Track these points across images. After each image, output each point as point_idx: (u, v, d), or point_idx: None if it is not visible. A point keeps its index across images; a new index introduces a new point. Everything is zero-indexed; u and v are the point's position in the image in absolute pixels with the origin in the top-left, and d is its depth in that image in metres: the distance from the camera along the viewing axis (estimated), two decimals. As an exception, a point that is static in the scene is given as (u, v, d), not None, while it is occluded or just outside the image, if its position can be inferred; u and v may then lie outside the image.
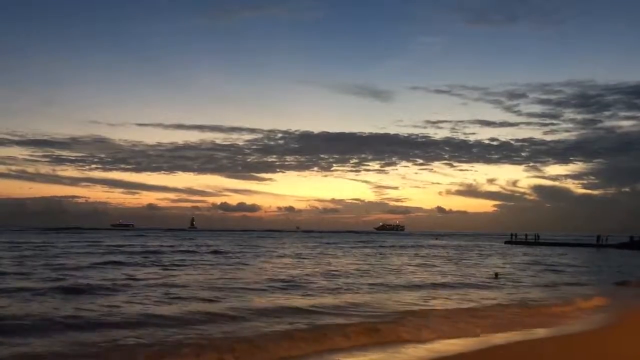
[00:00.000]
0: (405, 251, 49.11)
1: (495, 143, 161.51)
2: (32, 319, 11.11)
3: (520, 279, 23.19)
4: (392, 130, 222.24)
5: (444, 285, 19.84)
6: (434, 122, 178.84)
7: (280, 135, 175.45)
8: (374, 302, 14.81)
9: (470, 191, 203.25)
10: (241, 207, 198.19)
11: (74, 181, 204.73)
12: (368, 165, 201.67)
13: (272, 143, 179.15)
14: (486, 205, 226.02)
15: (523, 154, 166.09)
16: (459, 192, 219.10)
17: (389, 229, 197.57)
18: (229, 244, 55.43)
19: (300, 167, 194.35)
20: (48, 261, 26.58)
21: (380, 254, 42.51)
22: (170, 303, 13.72)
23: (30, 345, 8.97)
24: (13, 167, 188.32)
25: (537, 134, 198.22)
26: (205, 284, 17.90)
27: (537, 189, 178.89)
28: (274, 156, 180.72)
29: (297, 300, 14.64)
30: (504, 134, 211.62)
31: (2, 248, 37.74)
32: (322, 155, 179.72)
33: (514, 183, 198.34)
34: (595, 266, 34.48)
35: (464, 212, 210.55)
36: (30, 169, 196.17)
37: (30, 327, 10.41)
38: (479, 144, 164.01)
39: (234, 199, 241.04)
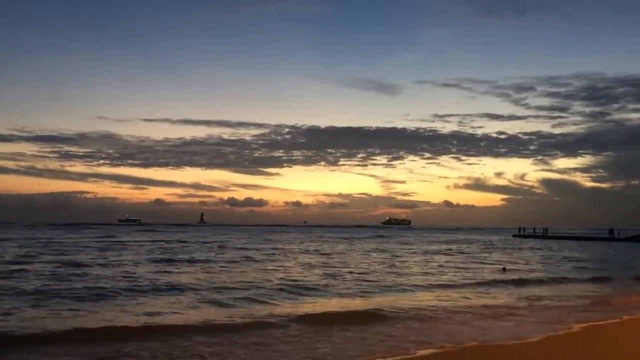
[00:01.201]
0: (420, 247, 48.99)
1: (503, 136, 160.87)
2: (49, 327, 10.38)
3: (533, 273, 23.11)
4: (399, 124, 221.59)
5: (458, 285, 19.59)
6: (441, 116, 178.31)
7: (287, 130, 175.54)
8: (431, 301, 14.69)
9: (478, 185, 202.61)
10: (248, 202, 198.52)
11: (82, 177, 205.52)
12: (375, 159, 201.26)
13: (279, 138, 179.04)
14: (494, 199, 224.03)
15: (531, 147, 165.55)
16: (466, 186, 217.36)
17: (395, 224, 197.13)
18: (245, 240, 55.35)
19: (307, 161, 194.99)
20: (66, 259, 26.46)
21: (399, 250, 42.37)
22: (208, 307, 13.29)
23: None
24: (22, 163, 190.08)
25: (545, 127, 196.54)
26: (242, 285, 17.29)
27: (546, 182, 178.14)
28: (281, 151, 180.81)
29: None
30: (512, 128, 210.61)
31: (18, 244, 37.75)
32: (329, 150, 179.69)
33: (522, 177, 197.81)
34: (610, 260, 34.24)
35: (472, 206, 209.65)
36: (39, 165, 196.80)
37: (47, 336, 9.70)
38: (486, 137, 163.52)
39: (241, 194, 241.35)
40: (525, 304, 14.56)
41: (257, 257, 30.52)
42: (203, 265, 24.65)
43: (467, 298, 15.63)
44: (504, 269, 25.17)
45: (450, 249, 44.43)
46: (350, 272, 22.38)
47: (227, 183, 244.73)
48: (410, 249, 43.21)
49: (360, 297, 15.51)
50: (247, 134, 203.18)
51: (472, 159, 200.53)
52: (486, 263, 29.59)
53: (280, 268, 24.13)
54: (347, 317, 11.96)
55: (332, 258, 31.39)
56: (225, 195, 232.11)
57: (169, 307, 13.09)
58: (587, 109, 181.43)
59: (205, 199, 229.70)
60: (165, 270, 22.12)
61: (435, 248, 46.28)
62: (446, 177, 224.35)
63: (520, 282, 20.12)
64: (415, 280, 20.00)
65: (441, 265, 26.99)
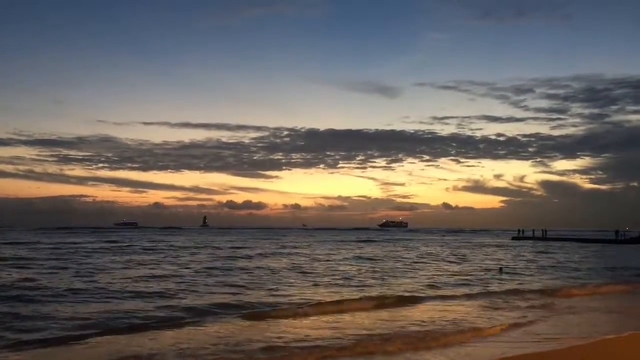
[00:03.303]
0: (427, 249, 48.10)
1: (502, 139, 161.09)
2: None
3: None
4: (398, 126, 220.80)
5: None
6: (440, 118, 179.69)
7: (286, 132, 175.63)
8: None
9: (477, 187, 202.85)
10: (247, 205, 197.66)
11: (81, 180, 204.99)
12: (374, 161, 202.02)
13: (278, 141, 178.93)
14: (493, 201, 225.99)
15: (530, 149, 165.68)
16: (465, 188, 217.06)
17: (392, 226, 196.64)
18: (276, 244, 53.77)
19: (306, 164, 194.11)
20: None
21: (418, 255, 41.42)
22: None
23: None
24: (21, 167, 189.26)
25: (544, 129, 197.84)
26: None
27: (545, 184, 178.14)
28: (280, 154, 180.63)
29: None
30: (511, 130, 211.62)
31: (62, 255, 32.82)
32: (328, 153, 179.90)
33: (521, 179, 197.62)
34: (612, 262, 33.31)
35: (471, 208, 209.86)
36: (38, 169, 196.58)
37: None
38: (485, 139, 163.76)
39: (240, 197, 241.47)
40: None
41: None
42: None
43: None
44: (500, 270, 25.05)
45: (448, 252, 43.41)
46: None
47: (226, 186, 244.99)
48: (425, 252, 42.22)
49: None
50: (246, 136, 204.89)
51: (471, 161, 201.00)
52: (484, 264, 29.04)
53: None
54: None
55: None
56: (224, 199, 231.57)
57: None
58: (586, 111, 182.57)
59: (204, 202, 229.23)
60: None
61: (432, 250, 45.43)
62: (445, 179, 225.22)
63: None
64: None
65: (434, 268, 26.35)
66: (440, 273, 23.85)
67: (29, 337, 9.81)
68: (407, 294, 16.37)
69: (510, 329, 11.17)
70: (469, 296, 16.52)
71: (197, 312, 12.60)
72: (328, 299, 14.87)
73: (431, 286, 18.53)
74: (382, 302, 14.59)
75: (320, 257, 34.45)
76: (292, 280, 19.85)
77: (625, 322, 12.42)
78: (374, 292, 16.59)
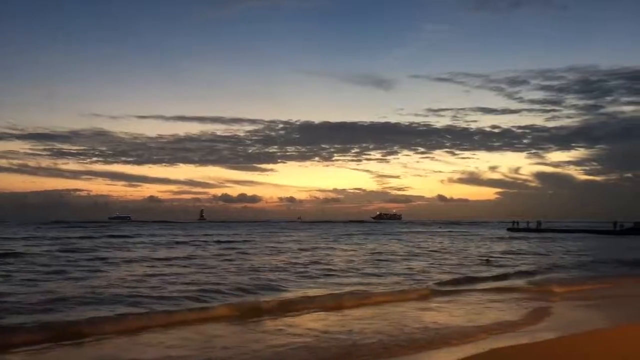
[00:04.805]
0: (428, 241, 48.61)
1: (496, 130, 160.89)
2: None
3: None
4: (393, 119, 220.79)
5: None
6: (435, 111, 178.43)
7: (281, 125, 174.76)
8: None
9: (472, 179, 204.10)
10: (242, 198, 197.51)
11: (75, 174, 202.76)
12: (369, 154, 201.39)
13: (272, 134, 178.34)
14: (488, 193, 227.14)
15: (525, 141, 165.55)
16: (460, 180, 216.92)
17: (386, 218, 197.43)
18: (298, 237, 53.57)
19: (301, 157, 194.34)
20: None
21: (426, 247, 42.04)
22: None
23: None
24: (14, 161, 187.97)
25: (538, 120, 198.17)
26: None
27: (539, 175, 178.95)
28: (275, 147, 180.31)
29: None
30: (506, 121, 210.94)
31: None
32: (323, 145, 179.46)
33: (516, 170, 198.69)
34: (610, 254, 33.34)
35: (466, 200, 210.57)
36: (32, 163, 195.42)
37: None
38: (480, 131, 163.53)
39: (235, 190, 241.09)
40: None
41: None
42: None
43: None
44: (487, 261, 25.41)
45: (444, 244, 43.78)
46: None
47: (221, 179, 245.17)
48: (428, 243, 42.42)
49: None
50: (241, 130, 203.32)
51: (466, 153, 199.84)
52: (480, 257, 29.29)
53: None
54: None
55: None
56: (219, 192, 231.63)
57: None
58: (581, 102, 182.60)
59: (199, 196, 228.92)
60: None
61: (423, 243, 45.90)
62: (440, 172, 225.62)
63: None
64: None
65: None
66: (436, 266, 23.50)
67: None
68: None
69: (504, 324, 11.01)
70: (464, 292, 16.17)
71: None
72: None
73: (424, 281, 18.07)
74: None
75: (328, 250, 35.10)
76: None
77: (621, 314, 12.72)
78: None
